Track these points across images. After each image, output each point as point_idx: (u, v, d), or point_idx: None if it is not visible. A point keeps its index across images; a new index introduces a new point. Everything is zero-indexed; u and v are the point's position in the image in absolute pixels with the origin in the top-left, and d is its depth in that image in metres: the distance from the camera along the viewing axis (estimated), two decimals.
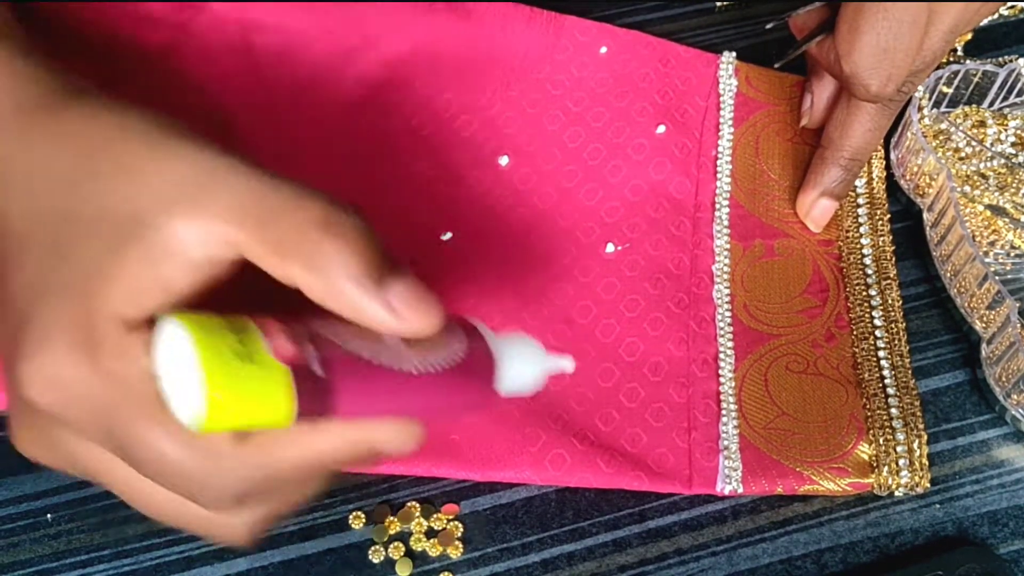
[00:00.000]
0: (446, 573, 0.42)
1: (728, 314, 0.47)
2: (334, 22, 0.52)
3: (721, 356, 0.45)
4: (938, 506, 0.43)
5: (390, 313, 0.29)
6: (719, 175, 0.50)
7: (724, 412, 0.44)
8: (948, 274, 0.47)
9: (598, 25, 0.53)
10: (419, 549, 0.42)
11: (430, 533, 0.43)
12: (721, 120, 0.52)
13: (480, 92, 0.52)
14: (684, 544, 0.43)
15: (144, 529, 0.43)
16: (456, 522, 0.43)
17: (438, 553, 0.42)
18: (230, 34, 0.53)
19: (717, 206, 0.50)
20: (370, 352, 0.29)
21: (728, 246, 0.48)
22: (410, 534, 0.43)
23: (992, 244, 0.49)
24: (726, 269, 0.48)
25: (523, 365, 0.33)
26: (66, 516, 0.43)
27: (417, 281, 0.30)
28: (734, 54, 0.53)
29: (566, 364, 0.35)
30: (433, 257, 0.48)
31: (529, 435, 0.43)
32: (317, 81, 0.53)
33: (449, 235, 0.48)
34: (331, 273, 0.29)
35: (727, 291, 0.47)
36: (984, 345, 0.46)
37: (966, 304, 0.47)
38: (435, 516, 0.43)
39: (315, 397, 0.28)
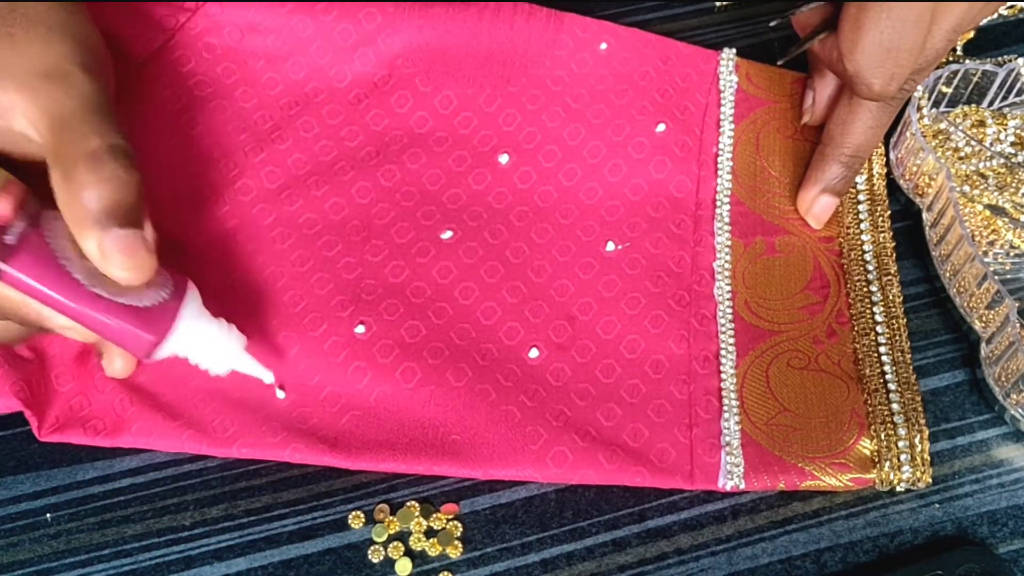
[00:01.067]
0: (445, 573, 0.42)
1: (729, 311, 0.47)
2: (332, 21, 0.52)
3: (722, 353, 0.45)
4: (937, 506, 0.43)
5: (99, 253, 0.37)
6: (720, 172, 0.50)
7: (726, 408, 0.44)
8: (947, 274, 0.47)
9: (598, 22, 0.53)
10: (418, 549, 0.42)
11: (429, 533, 0.43)
12: (722, 117, 0.52)
13: (480, 89, 0.52)
14: (683, 544, 0.43)
15: (143, 529, 0.43)
16: (455, 522, 0.43)
17: (437, 553, 0.42)
18: (226, 36, 0.53)
19: (718, 203, 0.50)
20: (68, 260, 0.38)
21: (729, 243, 0.48)
22: (409, 534, 0.43)
23: (991, 244, 0.49)
24: (727, 266, 0.48)
25: (200, 343, 0.41)
26: (65, 516, 0.43)
27: (138, 242, 0.37)
28: (734, 50, 0.53)
29: (261, 373, 0.42)
30: (434, 255, 0.48)
31: (530, 433, 0.43)
32: (315, 81, 0.53)
33: (450, 233, 0.48)
34: (73, 194, 0.37)
35: (728, 288, 0.47)
36: (983, 345, 0.46)
37: (965, 304, 0.47)
38: (434, 516, 0.43)
39: None
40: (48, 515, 0.43)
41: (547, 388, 0.45)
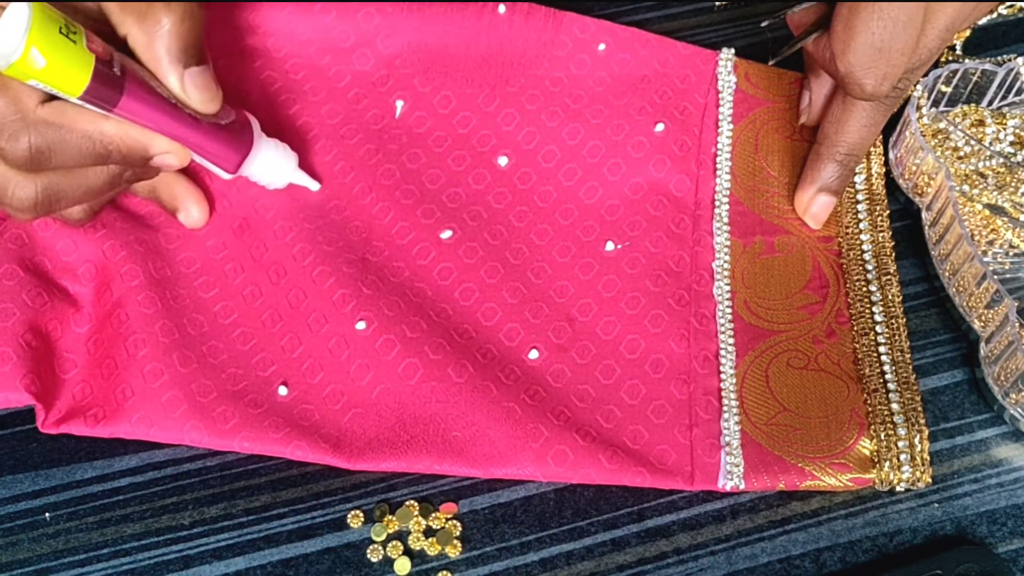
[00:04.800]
0: (444, 572, 0.42)
1: (729, 311, 0.47)
2: (331, 21, 0.52)
3: (722, 353, 0.45)
4: (937, 505, 0.43)
5: (181, 88, 0.41)
6: (719, 172, 0.50)
7: (725, 408, 0.44)
8: (947, 273, 0.47)
9: (597, 22, 0.53)
10: (417, 548, 0.42)
11: (428, 532, 0.43)
12: (720, 117, 0.52)
13: (479, 89, 0.52)
14: (683, 543, 0.43)
15: (142, 528, 0.43)
16: (454, 521, 0.43)
17: (436, 552, 0.42)
18: (224, 37, 0.53)
19: (717, 203, 0.50)
20: (160, 89, 0.41)
21: (728, 243, 0.48)
22: (408, 533, 0.43)
23: (991, 243, 0.49)
24: (726, 266, 0.48)
25: (269, 161, 0.47)
26: (64, 515, 0.43)
27: (211, 75, 0.42)
28: (733, 50, 0.53)
29: (310, 183, 0.49)
30: (434, 257, 0.48)
31: (531, 431, 0.43)
32: (314, 80, 0.53)
33: (449, 233, 0.49)
34: (152, 35, 0.40)
35: (727, 288, 0.47)
36: (983, 344, 0.46)
37: (964, 303, 0.47)
38: (433, 515, 0.43)
39: (106, 86, 0.39)
40: (47, 514, 0.43)
41: (547, 389, 0.45)
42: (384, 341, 0.45)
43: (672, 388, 0.45)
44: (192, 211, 0.48)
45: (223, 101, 0.43)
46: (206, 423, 0.43)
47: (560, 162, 0.51)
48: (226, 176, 0.46)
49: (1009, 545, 0.43)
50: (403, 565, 0.42)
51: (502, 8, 0.52)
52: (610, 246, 0.48)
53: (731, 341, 0.46)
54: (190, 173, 0.48)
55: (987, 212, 0.50)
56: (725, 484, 0.42)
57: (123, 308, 0.46)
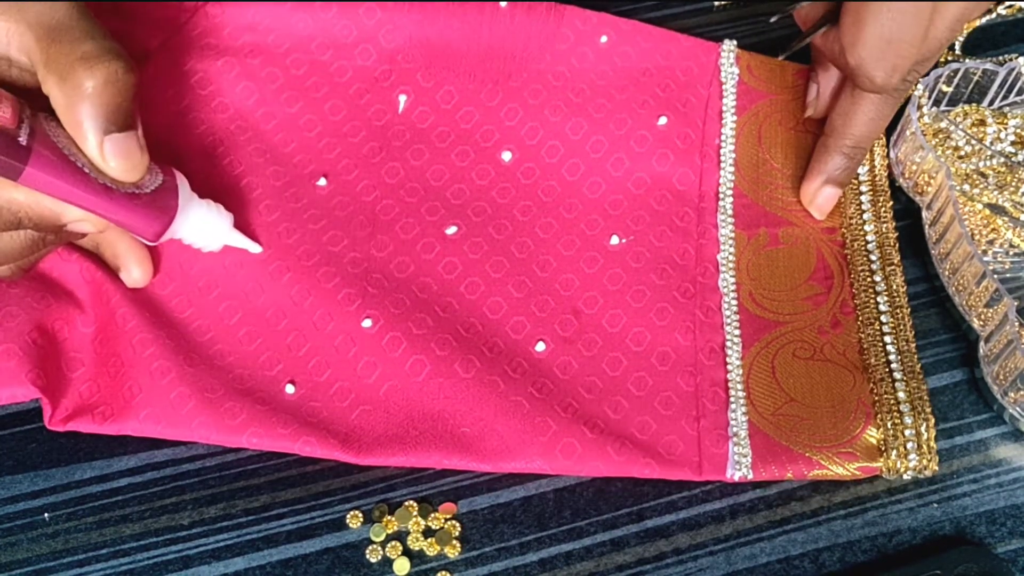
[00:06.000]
0: (444, 572, 0.42)
1: (734, 302, 0.47)
2: (332, 18, 0.52)
3: (728, 344, 0.46)
4: (936, 505, 0.43)
5: (99, 155, 0.39)
6: (722, 164, 0.50)
7: (732, 399, 0.44)
8: (946, 272, 0.47)
9: (598, 15, 0.53)
10: (416, 548, 0.42)
11: (427, 532, 0.43)
12: (724, 108, 0.52)
13: (481, 84, 0.52)
14: (682, 543, 0.43)
15: (141, 528, 0.43)
16: (453, 521, 0.43)
17: (436, 552, 0.42)
18: (226, 36, 0.53)
19: (721, 196, 0.50)
20: (73, 156, 0.39)
21: (733, 235, 0.49)
22: (407, 533, 0.43)
23: (991, 243, 0.49)
24: (731, 258, 0.48)
25: (198, 226, 0.45)
26: (63, 515, 0.43)
27: (134, 143, 0.40)
28: (735, 42, 0.53)
29: (249, 246, 0.47)
30: (439, 251, 0.48)
31: (539, 424, 0.43)
32: (316, 76, 0.53)
33: (454, 229, 0.49)
34: (72, 99, 0.38)
35: (732, 280, 0.47)
36: (982, 343, 0.46)
37: (964, 302, 0.47)
38: (433, 515, 0.43)
39: (8, 156, 0.37)
40: (46, 514, 0.43)
41: (554, 381, 0.45)
42: (391, 339, 0.45)
43: (679, 380, 0.45)
44: (133, 271, 0.46)
45: (147, 167, 0.41)
46: (214, 419, 0.43)
47: (564, 157, 0.51)
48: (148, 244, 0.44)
49: (1008, 545, 0.43)
50: (402, 565, 0.42)
51: (503, 2, 0.52)
52: (615, 240, 0.48)
53: (737, 333, 0.46)
54: None
55: (987, 212, 0.50)
56: (733, 474, 0.42)
57: (126, 308, 0.45)
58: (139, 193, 0.42)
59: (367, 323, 0.46)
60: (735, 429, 0.43)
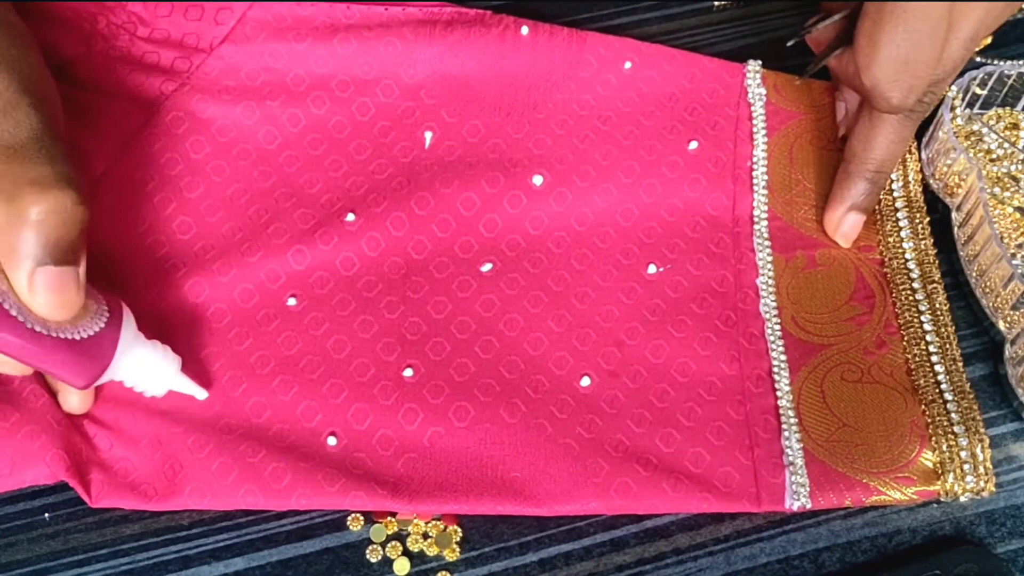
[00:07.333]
0: (443, 573, 0.42)
1: (777, 327, 0.46)
2: (352, 54, 0.52)
3: (775, 370, 0.45)
4: (936, 505, 0.44)
5: (28, 287, 0.36)
6: (755, 187, 0.50)
7: (785, 426, 0.44)
8: (974, 274, 0.47)
9: (620, 40, 0.53)
10: (416, 549, 0.42)
11: (427, 533, 0.43)
12: (754, 130, 0.51)
13: (507, 116, 0.52)
14: (681, 544, 0.43)
15: (141, 528, 0.43)
16: (455, 526, 0.43)
17: (435, 553, 0.42)
18: (243, 77, 0.52)
19: (756, 219, 0.49)
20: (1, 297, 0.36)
21: (770, 259, 0.48)
22: (407, 534, 0.43)
23: (1020, 246, 0.49)
24: (770, 282, 0.47)
25: (138, 370, 0.41)
26: (63, 515, 0.43)
27: (70, 280, 0.37)
28: (759, 62, 0.53)
29: (196, 391, 0.43)
30: (475, 289, 0.47)
31: (591, 466, 0.43)
32: (338, 115, 0.52)
33: (489, 266, 0.48)
34: (12, 222, 0.35)
35: (774, 304, 0.47)
36: (1008, 345, 0.46)
37: (991, 304, 0.47)
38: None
39: None
40: (46, 515, 0.43)
41: (603, 416, 0.44)
42: (432, 386, 0.45)
43: (728, 409, 0.44)
44: (70, 399, 0.42)
45: (79, 307, 0.38)
46: (260, 485, 0.42)
47: (595, 181, 0.50)
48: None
49: (1008, 545, 0.43)
50: (402, 565, 0.42)
51: (524, 30, 0.52)
52: (652, 269, 0.48)
53: (783, 358, 0.45)
54: None
55: (1018, 215, 0.49)
56: (792, 505, 0.42)
57: None
58: (72, 339, 0.38)
59: (408, 372, 0.45)
60: (791, 457, 0.43)
